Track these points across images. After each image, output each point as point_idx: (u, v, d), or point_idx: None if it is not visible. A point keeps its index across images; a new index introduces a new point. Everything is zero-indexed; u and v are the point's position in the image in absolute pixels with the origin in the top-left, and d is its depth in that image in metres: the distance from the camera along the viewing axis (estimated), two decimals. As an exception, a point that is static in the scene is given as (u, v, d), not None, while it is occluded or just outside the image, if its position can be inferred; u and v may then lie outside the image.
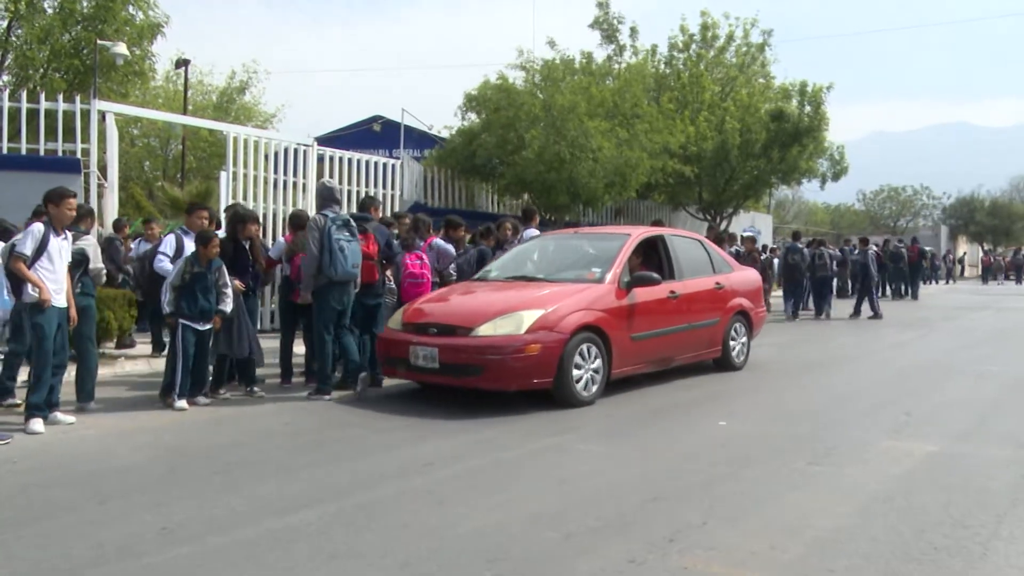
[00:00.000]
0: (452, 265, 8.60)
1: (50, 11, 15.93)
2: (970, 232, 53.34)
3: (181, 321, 6.66)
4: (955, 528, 3.81)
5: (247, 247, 7.41)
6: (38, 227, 5.88)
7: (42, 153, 11.04)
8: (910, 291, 23.37)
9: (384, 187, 14.16)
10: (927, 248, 29.19)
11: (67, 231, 6.12)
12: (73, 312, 6.11)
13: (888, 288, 23.31)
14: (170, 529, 3.80)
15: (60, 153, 11.09)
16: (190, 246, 7.07)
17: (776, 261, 18.40)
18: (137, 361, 8.93)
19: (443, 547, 3.59)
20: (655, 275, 7.63)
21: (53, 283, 5.85)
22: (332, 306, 7.16)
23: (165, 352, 8.60)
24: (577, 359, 6.68)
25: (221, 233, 7.38)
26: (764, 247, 18.79)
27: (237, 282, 7.09)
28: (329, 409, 6.76)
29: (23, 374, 6.49)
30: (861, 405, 6.93)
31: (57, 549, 3.57)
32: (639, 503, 4.20)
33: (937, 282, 35.07)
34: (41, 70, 16.36)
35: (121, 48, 14.77)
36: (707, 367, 8.73)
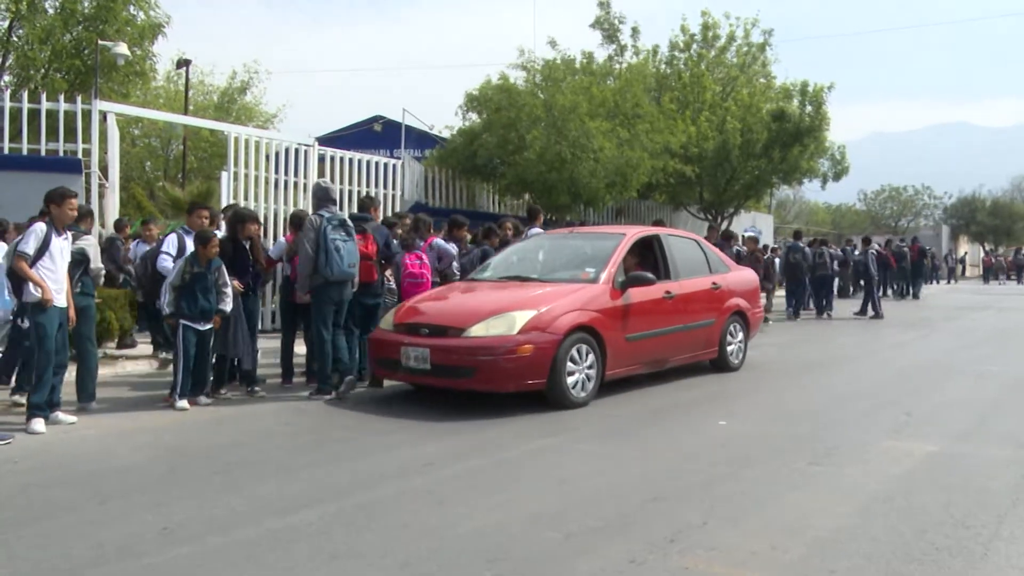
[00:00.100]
0: (455, 265, 8.57)
1: (51, 11, 15.95)
2: (971, 232, 53.28)
3: (182, 321, 6.67)
4: (956, 528, 3.80)
5: (247, 247, 7.41)
6: (40, 227, 5.89)
7: (43, 153, 11.05)
8: (911, 291, 23.37)
9: (385, 187, 14.15)
10: (927, 248, 29.16)
11: (68, 231, 6.13)
12: (72, 312, 6.12)
13: (890, 288, 23.29)
14: (170, 529, 3.80)
15: (61, 153, 11.11)
16: (192, 246, 7.08)
17: (777, 260, 18.40)
18: (138, 361, 8.93)
19: (443, 547, 3.59)
20: (650, 275, 7.56)
21: (54, 283, 5.86)
22: (329, 306, 7.16)
23: (165, 352, 8.64)
24: (570, 360, 6.60)
25: (221, 233, 7.38)
26: (765, 247, 18.77)
27: (236, 282, 7.09)
28: (329, 409, 6.76)
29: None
30: (862, 405, 6.92)
31: (57, 549, 3.57)
32: (639, 503, 4.20)
33: (938, 282, 35.04)
34: (42, 70, 16.38)
35: (122, 48, 14.78)
36: (707, 367, 8.71)
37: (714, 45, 21.83)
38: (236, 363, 7.48)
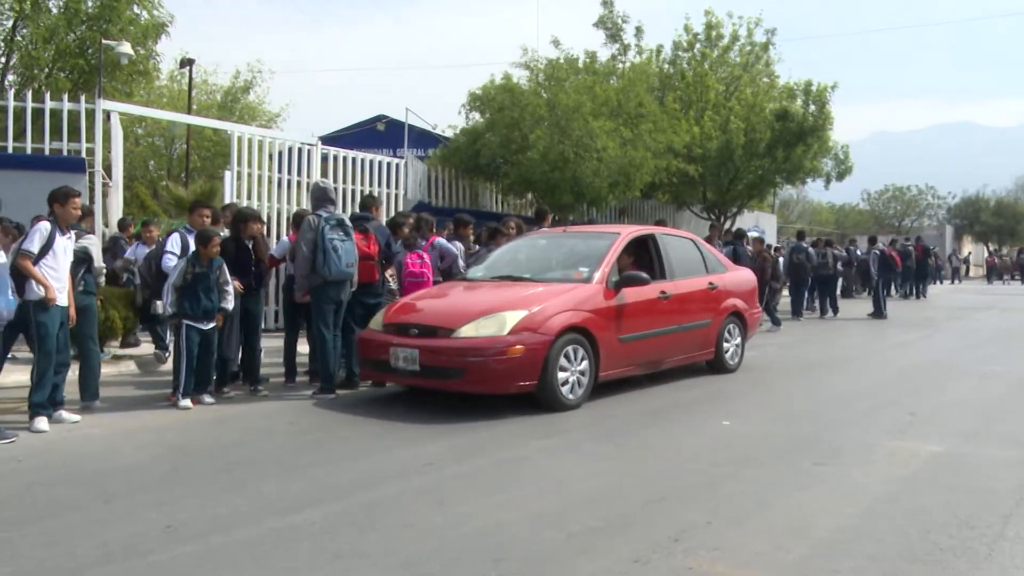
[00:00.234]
0: (460, 263, 8.53)
1: (55, 11, 15.96)
2: (975, 232, 53.16)
3: (185, 321, 6.68)
4: (960, 528, 3.79)
5: (250, 246, 7.42)
6: (45, 225, 5.91)
7: (47, 152, 11.06)
8: (915, 291, 23.32)
9: (388, 186, 14.17)
10: (931, 247, 29.11)
11: (71, 230, 6.15)
12: (73, 312, 6.14)
13: (894, 288, 23.24)
14: (174, 528, 3.81)
15: (65, 152, 11.12)
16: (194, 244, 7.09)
17: (781, 260, 18.39)
18: (142, 360, 8.94)
19: (446, 547, 3.59)
20: (644, 275, 7.42)
21: (56, 281, 5.89)
22: (329, 305, 7.16)
23: (165, 353, 8.67)
24: (562, 361, 6.48)
25: (225, 232, 7.39)
26: (769, 247, 18.76)
27: (236, 282, 7.10)
28: (332, 408, 6.76)
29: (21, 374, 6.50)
30: (865, 405, 6.91)
31: (62, 547, 3.58)
32: (641, 503, 4.19)
33: (941, 282, 34.99)
34: (46, 70, 16.40)
35: (126, 48, 14.81)
36: (707, 368, 8.66)
37: (717, 44, 21.78)
38: (240, 362, 7.49)
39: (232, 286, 6.98)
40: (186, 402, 6.63)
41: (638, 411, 6.67)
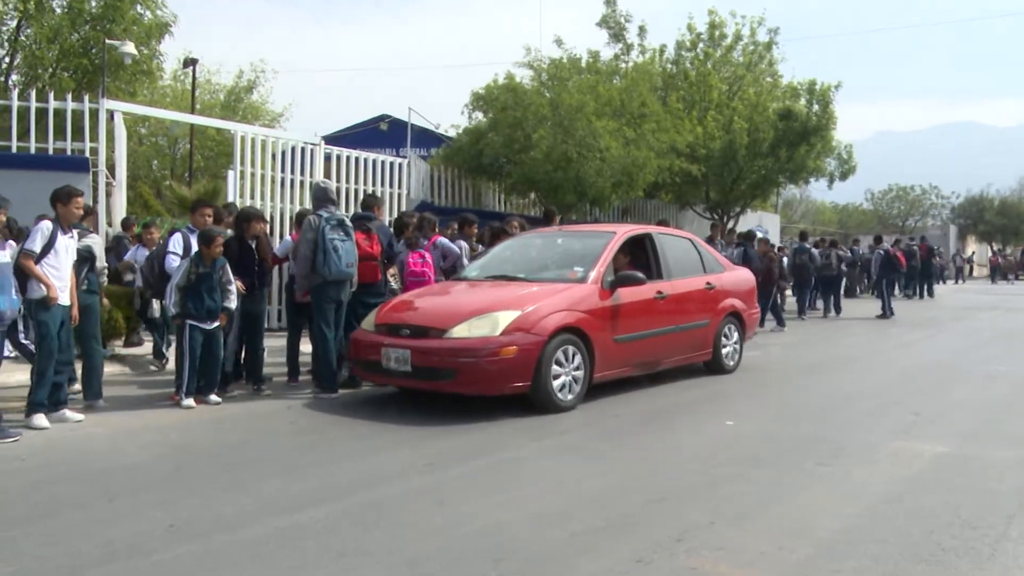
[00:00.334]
0: (466, 262, 8.50)
1: (59, 11, 16.01)
2: (979, 231, 53.06)
3: (188, 322, 6.69)
4: (964, 529, 3.79)
5: (253, 246, 7.43)
6: (47, 225, 5.93)
7: (51, 152, 11.09)
8: (920, 291, 23.27)
9: (391, 186, 14.17)
10: (935, 247, 29.05)
11: (73, 229, 6.17)
12: (75, 311, 6.15)
13: (899, 288, 23.20)
14: (178, 527, 3.81)
15: (69, 152, 11.15)
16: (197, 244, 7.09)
17: (785, 260, 18.37)
18: (137, 361, 8.95)
19: (449, 546, 3.59)
20: (640, 274, 7.31)
21: (58, 280, 5.90)
22: (330, 305, 7.17)
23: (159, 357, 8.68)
24: (556, 362, 6.40)
25: (229, 232, 7.40)
26: (773, 247, 18.74)
27: (238, 282, 7.11)
28: (334, 408, 6.76)
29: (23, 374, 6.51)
30: (869, 405, 6.90)
31: (65, 546, 3.58)
32: (643, 503, 4.19)
33: (945, 282, 34.92)
34: (50, 69, 16.44)
35: (129, 47, 14.82)
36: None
37: (720, 44, 21.75)
38: (242, 361, 7.49)
39: (235, 286, 6.99)
40: (189, 401, 6.64)
41: (638, 412, 6.66)
